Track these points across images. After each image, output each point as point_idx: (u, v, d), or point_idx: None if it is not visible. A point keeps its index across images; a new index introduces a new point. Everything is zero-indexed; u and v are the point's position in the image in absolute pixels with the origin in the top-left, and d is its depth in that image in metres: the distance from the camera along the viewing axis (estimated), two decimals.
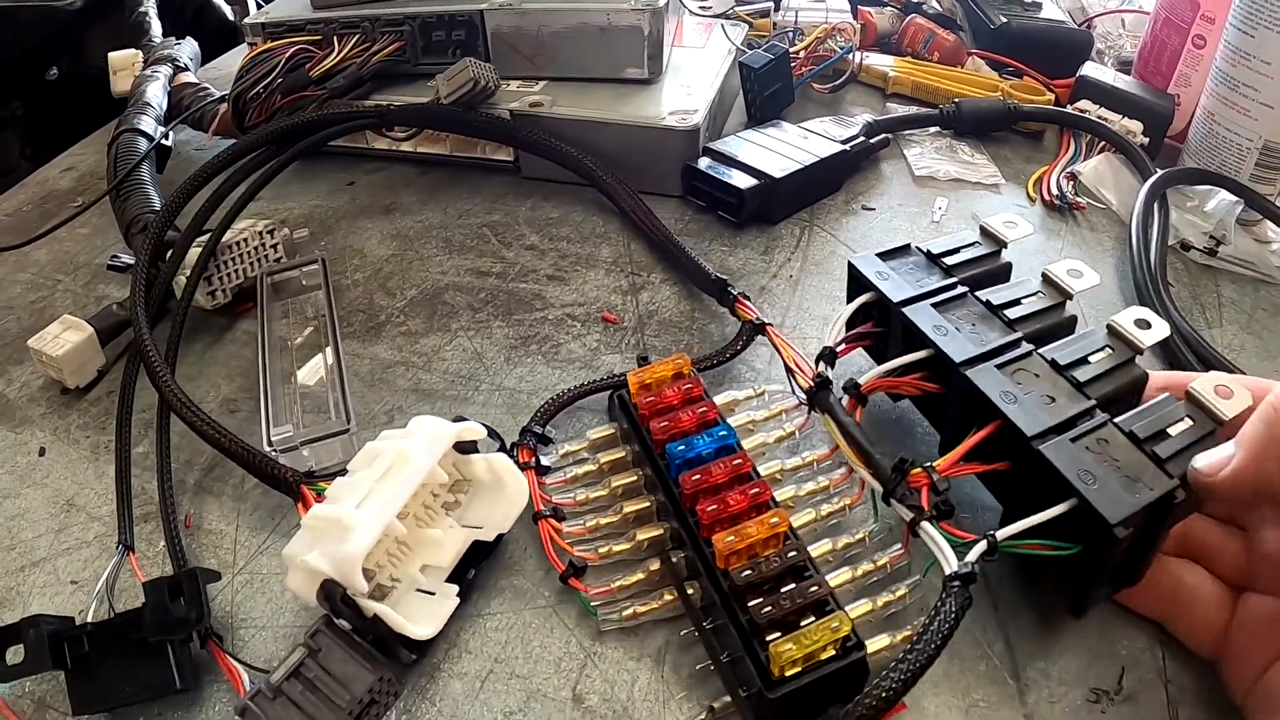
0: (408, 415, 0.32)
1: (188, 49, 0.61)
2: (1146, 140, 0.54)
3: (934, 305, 0.32)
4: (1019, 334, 0.30)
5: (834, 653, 0.25)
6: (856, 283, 0.35)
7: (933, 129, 0.58)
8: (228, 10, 0.79)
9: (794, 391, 0.34)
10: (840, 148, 0.50)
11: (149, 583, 0.28)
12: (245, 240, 0.43)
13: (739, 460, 0.30)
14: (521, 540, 0.32)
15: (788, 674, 0.25)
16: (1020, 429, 0.27)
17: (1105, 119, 0.55)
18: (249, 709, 0.25)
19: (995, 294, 0.32)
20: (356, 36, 0.52)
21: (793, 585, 0.26)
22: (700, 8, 0.62)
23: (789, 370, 0.34)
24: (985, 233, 0.35)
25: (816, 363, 0.32)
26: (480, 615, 0.30)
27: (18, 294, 0.47)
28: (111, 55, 0.57)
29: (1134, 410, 0.28)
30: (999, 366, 0.29)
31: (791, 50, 0.58)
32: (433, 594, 0.29)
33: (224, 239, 0.42)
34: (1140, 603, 0.29)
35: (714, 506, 0.28)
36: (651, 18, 0.50)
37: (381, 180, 0.54)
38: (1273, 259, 0.46)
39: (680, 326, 0.42)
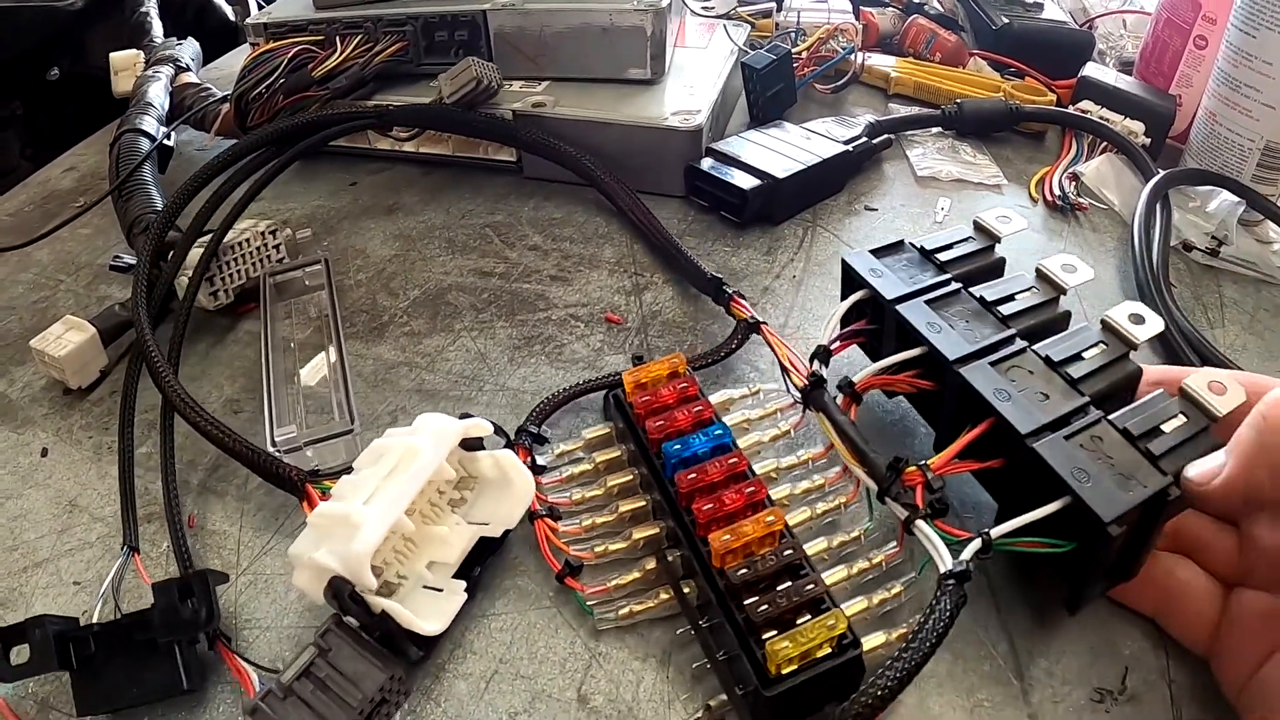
0: (411, 416, 0.32)
1: (189, 49, 0.61)
2: (1148, 141, 0.54)
3: (927, 302, 0.32)
4: (1013, 330, 0.30)
5: (830, 650, 0.25)
6: (850, 280, 0.34)
7: (935, 129, 0.58)
8: (229, 10, 0.79)
9: (789, 390, 0.34)
10: (843, 148, 0.50)
11: (158, 584, 0.28)
12: (248, 241, 0.43)
13: (734, 459, 0.30)
14: (527, 541, 0.32)
15: (784, 672, 0.25)
16: (1014, 427, 0.27)
17: (1107, 119, 0.55)
18: (260, 709, 0.25)
19: (989, 290, 0.32)
20: (359, 37, 0.52)
21: (788, 583, 0.26)
22: (703, 8, 0.62)
23: (783, 369, 0.34)
24: (979, 228, 0.35)
25: (811, 361, 0.32)
26: (485, 616, 0.30)
27: (20, 294, 0.47)
28: (113, 55, 0.57)
29: (1128, 407, 0.28)
30: (992, 364, 0.29)
31: (794, 51, 0.58)
32: (440, 590, 0.29)
33: (227, 239, 0.42)
34: (1134, 598, 0.29)
35: (709, 505, 0.28)
36: (654, 18, 0.50)
37: (384, 180, 0.54)
38: (1274, 259, 0.46)
39: (683, 326, 0.42)
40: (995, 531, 0.25)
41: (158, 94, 0.54)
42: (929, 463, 0.27)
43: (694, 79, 0.53)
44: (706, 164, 0.49)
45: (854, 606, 0.28)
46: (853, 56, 0.61)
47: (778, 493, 0.31)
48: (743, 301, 0.39)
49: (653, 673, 0.28)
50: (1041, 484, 0.26)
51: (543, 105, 0.50)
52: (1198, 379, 0.27)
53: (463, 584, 0.29)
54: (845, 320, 0.34)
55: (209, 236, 0.42)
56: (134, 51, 0.58)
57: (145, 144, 0.49)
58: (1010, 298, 0.32)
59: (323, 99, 0.51)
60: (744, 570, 0.27)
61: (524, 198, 0.52)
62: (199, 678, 0.28)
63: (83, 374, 0.40)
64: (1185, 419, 0.27)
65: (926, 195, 0.52)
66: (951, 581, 0.24)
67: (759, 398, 0.35)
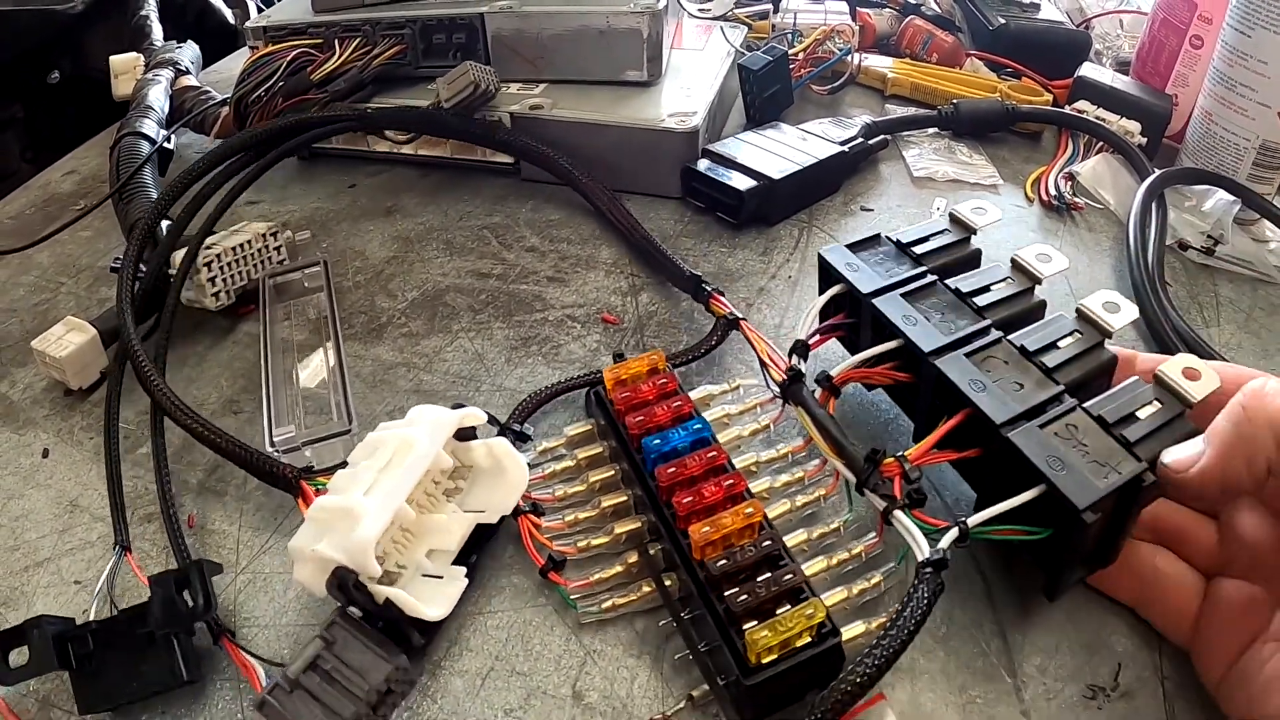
0: None
1: (189, 52, 0.61)
2: (1144, 140, 0.55)
3: (903, 295, 0.32)
4: (988, 321, 0.30)
5: (810, 639, 0.25)
6: (827, 275, 0.35)
7: (931, 130, 0.58)
8: (228, 13, 0.79)
9: (768, 385, 0.34)
10: (839, 149, 0.51)
11: (155, 576, 0.28)
12: (249, 243, 0.43)
13: (714, 453, 0.30)
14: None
15: (764, 661, 0.25)
16: (988, 417, 0.27)
17: (1103, 119, 0.55)
18: (268, 703, 0.25)
19: (964, 281, 0.32)
20: (357, 40, 0.53)
21: (768, 574, 0.27)
22: (699, 10, 0.62)
23: (763, 364, 0.34)
24: (955, 220, 0.35)
25: (790, 356, 0.33)
26: (481, 613, 0.30)
27: (21, 296, 0.47)
28: (113, 59, 0.58)
29: (1103, 394, 0.28)
30: (968, 355, 0.29)
31: (790, 52, 0.58)
32: (440, 578, 0.29)
33: (229, 243, 0.42)
34: (1113, 586, 0.29)
35: (689, 498, 0.29)
36: (651, 20, 0.51)
37: (382, 183, 0.55)
38: (1270, 258, 0.46)
39: (679, 327, 0.42)
40: (972, 520, 0.26)
41: (158, 97, 0.54)
42: (906, 454, 0.28)
43: (691, 81, 0.54)
44: (703, 165, 0.49)
45: (834, 596, 0.28)
46: (849, 57, 0.62)
47: (758, 486, 0.31)
48: (722, 298, 0.39)
49: (647, 669, 0.28)
50: (1018, 473, 0.26)
51: (540, 108, 0.51)
52: (1172, 365, 0.27)
53: (463, 569, 0.29)
54: (825, 315, 0.34)
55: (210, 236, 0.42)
56: (134, 55, 0.59)
57: (145, 147, 0.49)
58: (986, 289, 0.32)
59: (321, 102, 0.51)
60: (723, 561, 0.27)
61: (522, 200, 0.52)
62: (197, 669, 0.28)
63: (83, 375, 0.40)
64: (1160, 405, 0.27)
65: (922, 196, 0.52)
66: (929, 570, 0.25)
67: (739, 393, 0.36)
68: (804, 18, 0.64)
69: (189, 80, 0.58)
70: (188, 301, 0.42)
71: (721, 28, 0.60)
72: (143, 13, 0.65)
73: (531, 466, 0.34)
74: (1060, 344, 0.29)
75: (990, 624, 0.29)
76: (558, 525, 0.31)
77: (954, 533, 0.25)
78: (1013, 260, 0.33)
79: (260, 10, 0.73)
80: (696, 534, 0.27)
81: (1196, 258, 0.47)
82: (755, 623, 0.25)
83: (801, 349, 0.33)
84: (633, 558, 0.30)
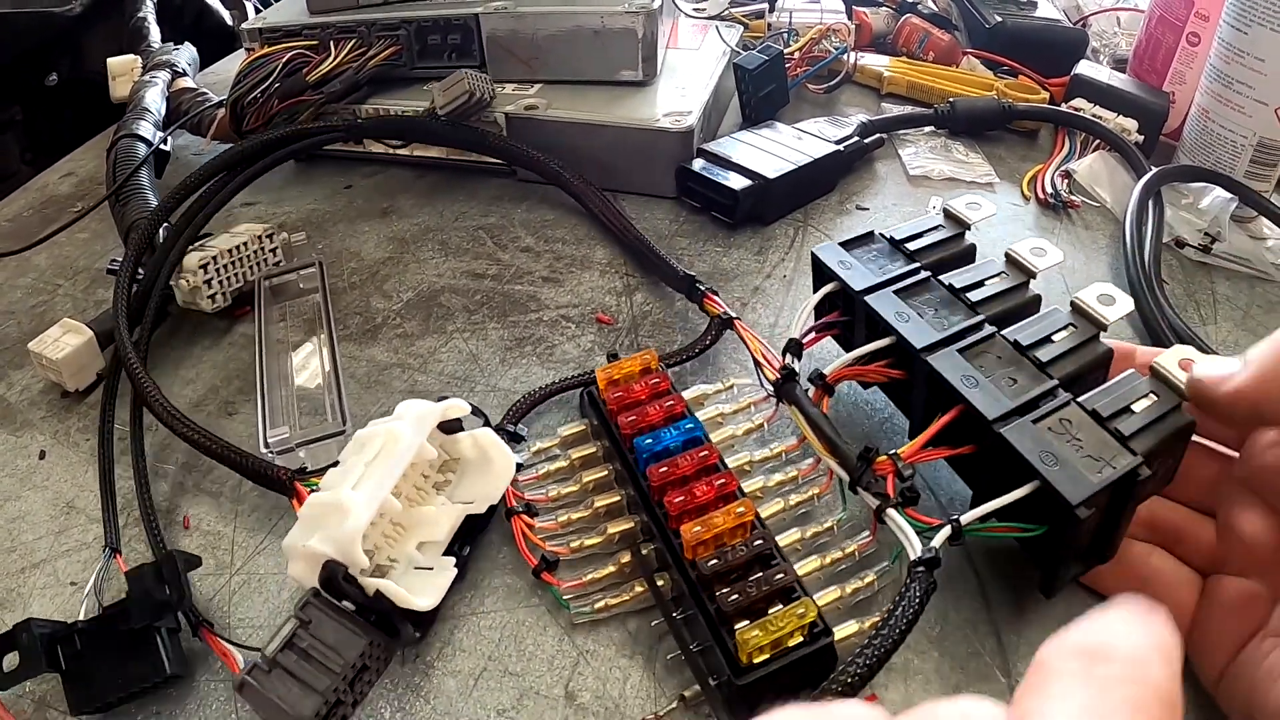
0: None
1: (186, 54, 0.61)
2: (1141, 138, 0.54)
3: (896, 292, 0.32)
4: (981, 316, 0.30)
5: (802, 639, 0.25)
6: (821, 273, 0.35)
7: (927, 128, 0.58)
8: (225, 14, 0.79)
9: (761, 384, 0.34)
10: (834, 148, 0.51)
11: (132, 571, 0.29)
12: (245, 244, 0.43)
13: (706, 452, 0.30)
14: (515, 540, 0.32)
15: (756, 661, 0.25)
16: (981, 413, 0.27)
17: (1100, 117, 0.55)
18: (247, 683, 0.25)
19: (958, 277, 0.32)
20: (353, 41, 0.53)
21: (759, 573, 0.27)
22: (695, 9, 0.62)
23: (756, 363, 0.34)
24: (949, 215, 0.35)
25: (783, 354, 0.33)
26: (474, 614, 0.30)
27: (18, 298, 0.47)
28: (110, 61, 0.58)
29: (1098, 388, 0.27)
30: (961, 350, 0.29)
31: (786, 51, 0.58)
32: (430, 569, 0.29)
33: (226, 245, 0.42)
34: (1109, 585, 0.29)
35: (681, 498, 0.29)
36: (645, 20, 0.50)
37: (378, 183, 0.55)
38: (1267, 255, 0.46)
39: (674, 327, 0.42)
40: (965, 518, 0.26)
41: (154, 99, 0.55)
42: (899, 451, 0.28)
43: (686, 80, 0.54)
44: (698, 165, 0.49)
45: (827, 596, 0.28)
46: (845, 56, 0.61)
47: (751, 485, 0.31)
48: (716, 298, 0.39)
49: (639, 670, 0.28)
50: (1012, 469, 0.26)
51: (535, 108, 0.51)
52: (1168, 357, 0.27)
53: (452, 560, 0.29)
54: (819, 313, 0.34)
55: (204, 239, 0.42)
56: (131, 57, 0.59)
57: (142, 149, 0.49)
58: (980, 284, 0.32)
59: (317, 103, 0.51)
60: (715, 561, 0.27)
61: (517, 200, 0.52)
62: (181, 663, 0.28)
63: (80, 376, 0.40)
64: (1156, 398, 0.27)
65: (919, 194, 0.52)
66: (921, 568, 0.25)
67: (733, 392, 0.36)
68: (800, 16, 0.64)
69: (186, 82, 0.58)
70: (184, 304, 0.42)
71: (717, 27, 0.60)
72: (140, 14, 0.65)
73: (525, 467, 0.34)
74: (1054, 338, 0.29)
75: (985, 624, 0.29)
76: (551, 526, 0.31)
77: (947, 531, 0.25)
78: (1007, 254, 0.33)
79: (256, 11, 0.74)
80: (688, 534, 0.27)
81: (1193, 255, 0.47)
82: (746, 622, 0.25)
83: (795, 348, 0.33)
84: (626, 558, 0.30)
